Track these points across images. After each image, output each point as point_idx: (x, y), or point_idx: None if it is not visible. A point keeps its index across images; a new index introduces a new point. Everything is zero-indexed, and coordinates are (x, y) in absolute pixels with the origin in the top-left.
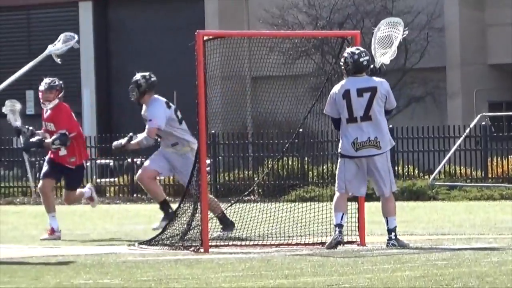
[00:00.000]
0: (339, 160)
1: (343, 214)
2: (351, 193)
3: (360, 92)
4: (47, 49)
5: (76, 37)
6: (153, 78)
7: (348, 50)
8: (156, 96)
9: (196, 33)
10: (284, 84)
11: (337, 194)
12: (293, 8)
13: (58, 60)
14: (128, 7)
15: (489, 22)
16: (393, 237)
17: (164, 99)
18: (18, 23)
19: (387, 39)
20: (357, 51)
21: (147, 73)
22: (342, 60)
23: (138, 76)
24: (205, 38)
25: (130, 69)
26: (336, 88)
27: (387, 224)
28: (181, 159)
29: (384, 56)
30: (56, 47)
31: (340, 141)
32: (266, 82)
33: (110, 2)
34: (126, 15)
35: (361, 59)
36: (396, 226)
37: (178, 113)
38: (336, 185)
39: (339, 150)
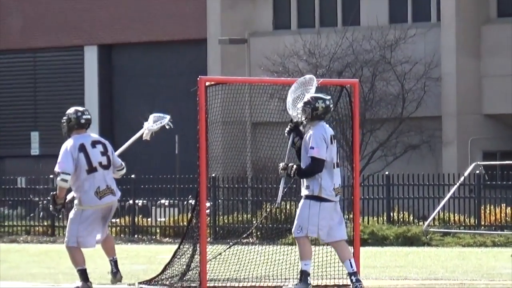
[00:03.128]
0: (312, 202)
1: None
2: (315, 237)
3: (332, 139)
4: (144, 127)
5: (168, 116)
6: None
7: (313, 95)
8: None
9: (198, 78)
10: (283, 130)
11: (304, 239)
12: (293, 56)
13: (148, 137)
14: (132, 52)
15: (485, 73)
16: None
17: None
18: (24, 65)
19: (306, 94)
20: (327, 97)
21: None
22: (310, 104)
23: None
24: (207, 83)
25: (133, 112)
26: (323, 131)
27: (352, 266)
28: None
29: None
30: (150, 126)
31: (317, 185)
32: (266, 128)
33: (114, 46)
34: (130, 60)
35: (331, 106)
36: None
37: None
38: (307, 230)
39: (316, 194)
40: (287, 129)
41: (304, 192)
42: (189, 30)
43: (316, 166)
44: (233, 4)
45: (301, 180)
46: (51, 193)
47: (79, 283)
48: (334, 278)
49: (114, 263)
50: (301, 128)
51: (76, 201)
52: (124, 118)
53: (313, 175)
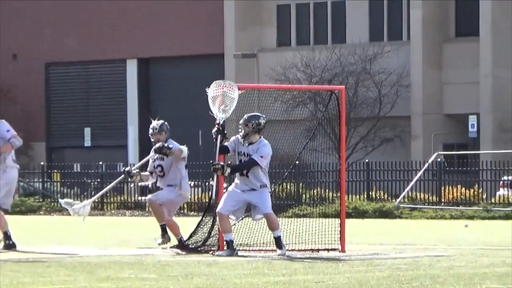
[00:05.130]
0: (268, 193)
1: None
2: None
3: None
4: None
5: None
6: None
7: (254, 114)
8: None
9: None
10: (284, 126)
11: (273, 214)
12: (293, 67)
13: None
14: (165, 64)
15: (445, 81)
16: None
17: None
18: (79, 75)
19: (225, 98)
20: (263, 115)
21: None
22: (254, 121)
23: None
24: None
25: (168, 114)
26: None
27: None
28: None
29: (225, 113)
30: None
31: (267, 180)
32: (271, 125)
33: (151, 60)
34: (164, 70)
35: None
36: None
37: None
38: (271, 208)
39: (271, 190)
40: (214, 129)
41: (263, 188)
42: (210, 47)
43: (249, 167)
44: (244, 26)
45: (255, 179)
46: (163, 144)
47: (159, 239)
48: (325, 244)
49: (179, 241)
50: (249, 135)
51: (176, 188)
52: (159, 116)
53: (241, 171)
